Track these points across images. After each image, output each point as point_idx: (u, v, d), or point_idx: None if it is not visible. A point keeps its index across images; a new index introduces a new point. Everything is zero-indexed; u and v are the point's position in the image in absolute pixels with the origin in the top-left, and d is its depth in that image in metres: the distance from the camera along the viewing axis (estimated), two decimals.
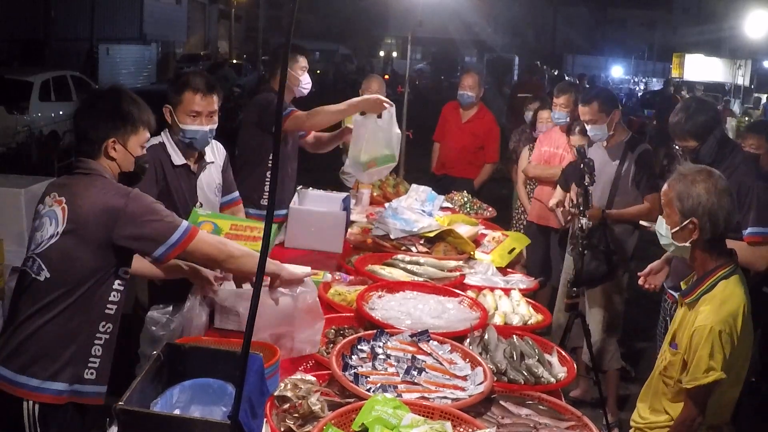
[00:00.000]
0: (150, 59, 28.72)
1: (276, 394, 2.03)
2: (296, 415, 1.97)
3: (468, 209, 4.78)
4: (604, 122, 3.96)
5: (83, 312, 2.30)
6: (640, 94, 20.80)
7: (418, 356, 2.29)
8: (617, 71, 34.71)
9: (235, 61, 29.51)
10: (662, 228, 2.47)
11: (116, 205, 2.25)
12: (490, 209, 4.85)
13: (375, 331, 2.41)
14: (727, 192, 2.34)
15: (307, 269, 2.69)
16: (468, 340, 2.53)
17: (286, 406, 2.00)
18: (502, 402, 2.22)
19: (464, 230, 3.88)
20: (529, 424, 2.12)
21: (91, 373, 2.37)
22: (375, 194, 4.80)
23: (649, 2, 45.30)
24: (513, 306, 3.01)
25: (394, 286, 3.00)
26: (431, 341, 2.40)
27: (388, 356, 2.27)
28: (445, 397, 2.09)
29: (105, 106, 2.38)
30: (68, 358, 2.30)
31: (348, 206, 4.12)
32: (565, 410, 2.21)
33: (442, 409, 2.00)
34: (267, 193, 3.92)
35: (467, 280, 3.32)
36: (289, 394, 2.01)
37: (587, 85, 19.48)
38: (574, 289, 3.56)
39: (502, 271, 3.63)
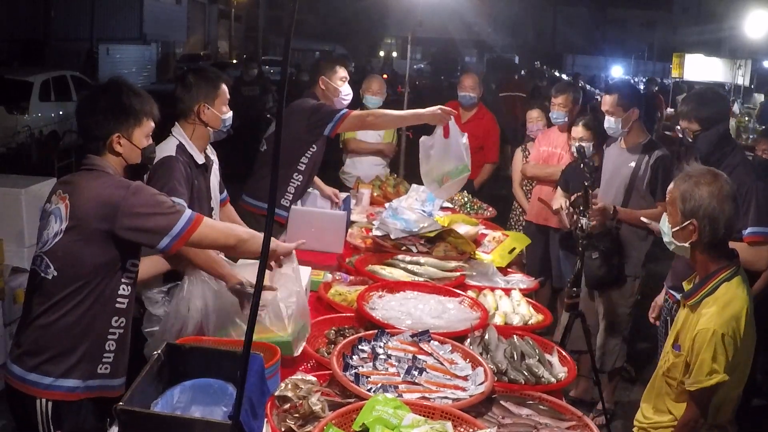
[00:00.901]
0: (150, 59, 28.71)
1: (276, 394, 2.03)
2: (297, 415, 1.97)
3: (468, 209, 4.78)
4: (620, 116, 3.90)
5: (95, 308, 2.31)
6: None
7: (419, 356, 2.29)
8: (617, 71, 34.66)
9: (234, 61, 29.49)
10: (665, 226, 2.48)
11: (116, 198, 2.25)
12: (491, 209, 4.85)
13: (375, 331, 2.42)
14: (731, 197, 2.34)
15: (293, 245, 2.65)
16: (468, 340, 2.54)
17: (287, 406, 1.99)
18: (502, 402, 2.22)
19: (464, 230, 3.88)
20: (530, 424, 2.12)
21: (105, 368, 2.38)
22: (375, 194, 4.80)
23: (649, 2, 45.28)
24: (513, 306, 3.01)
25: (394, 286, 3.01)
26: (432, 341, 2.40)
27: (389, 356, 2.27)
28: (446, 397, 2.09)
29: (106, 101, 2.37)
30: (81, 354, 2.31)
31: (348, 206, 4.13)
32: (566, 410, 2.21)
33: (443, 409, 2.00)
34: (288, 194, 3.95)
35: (467, 280, 3.32)
36: (289, 394, 2.01)
37: (587, 86, 19.49)
38: (575, 289, 3.55)
39: (503, 271, 3.63)
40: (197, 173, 2.98)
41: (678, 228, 2.40)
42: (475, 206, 4.85)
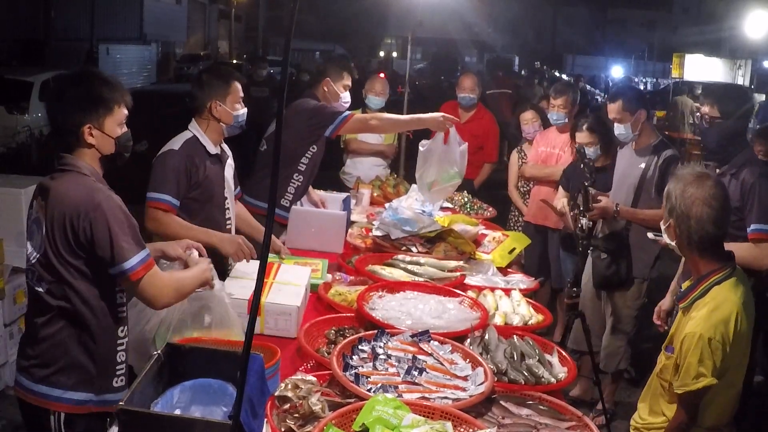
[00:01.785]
0: (150, 59, 28.70)
1: (276, 394, 2.03)
2: (297, 415, 1.97)
3: (468, 209, 4.78)
4: (628, 121, 3.89)
5: (97, 319, 2.29)
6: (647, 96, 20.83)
7: (419, 356, 2.29)
8: (617, 71, 34.66)
9: (235, 61, 29.49)
10: (662, 225, 2.51)
11: (82, 210, 2.20)
12: (490, 209, 4.86)
13: (376, 331, 2.41)
14: (708, 203, 2.32)
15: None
16: (468, 341, 2.54)
17: (287, 406, 1.99)
18: (502, 402, 2.22)
19: (464, 230, 3.88)
20: (530, 424, 2.12)
21: (121, 380, 2.38)
22: (375, 194, 4.80)
23: (649, 2, 45.28)
24: (513, 306, 3.01)
25: (394, 287, 3.00)
26: (432, 341, 2.40)
27: (389, 356, 2.27)
28: (446, 398, 2.09)
29: (74, 92, 2.30)
30: (91, 365, 2.30)
31: (348, 207, 4.12)
32: (566, 410, 2.21)
33: (443, 410, 2.00)
34: (288, 194, 3.97)
35: (467, 280, 3.32)
36: (289, 394, 2.01)
37: (587, 86, 19.49)
38: (575, 289, 3.55)
39: (503, 271, 3.63)
40: (210, 161, 3.11)
41: (665, 227, 2.45)
42: (475, 206, 4.86)
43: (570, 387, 4.25)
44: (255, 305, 1.41)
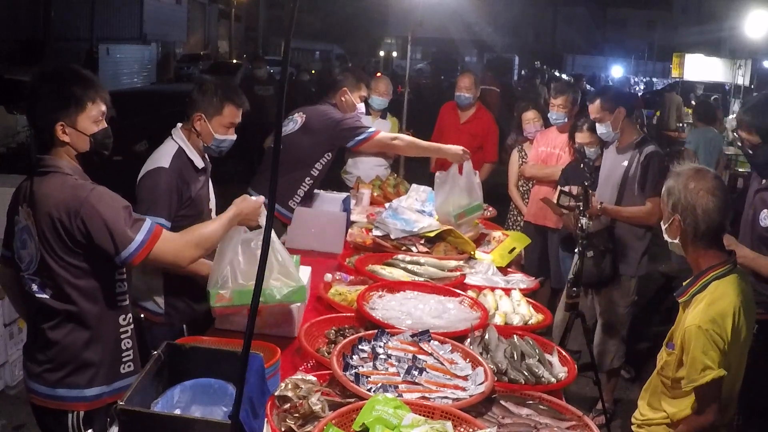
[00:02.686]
0: (150, 59, 28.73)
1: (277, 393, 2.03)
2: (297, 415, 1.97)
3: None
4: (608, 120, 3.96)
5: (102, 313, 2.31)
6: (640, 93, 20.80)
7: (419, 356, 2.29)
8: (617, 71, 34.67)
9: (235, 61, 29.50)
10: (664, 225, 2.51)
11: (74, 203, 2.19)
12: (491, 209, 4.85)
13: (376, 331, 2.41)
14: (713, 192, 2.35)
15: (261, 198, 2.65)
16: (468, 340, 2.53)
17: (287, 406, 1.99)
18: (502, 402, 2.22)
19: (464, 230, 3.88)
20: (530, 424, 2.12)
21: (129, 366, 2.40)
22: (375, 194, 4.80)
23: (649, 2, 45.31)
24: (513, 306, 3.01)
25: (394, 286, 3.00)
26: (432, 341, 2.40)
27: (389, 356, 2.27)
28: (446, 397, 2.09)
29: (46, 90, 2.27)
30: (101, 360, 2.32)
31: (348, 206, 4.12)
32: (566, 410, 2.21)
33: (443, 409, 2.00)
34: (297, 196, 3.97)
35: (468, 280, 3.32)
36: (289, 393, 2.01)
37: (587, 86, 19.48)
38: (574, 289, 3.56)
39: (503, 270, 3.63)
40: (197, 176, 2.93)
41: (667, 224, 2.45)
42: None
43: (570, 387, 4.25)
44: (255, 305, 1.41)
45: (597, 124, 4.03)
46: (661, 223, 2.51)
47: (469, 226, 4.07)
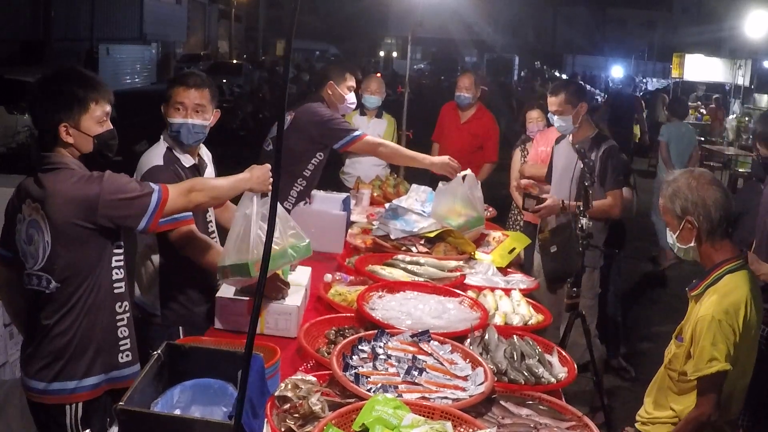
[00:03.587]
0: (150, 59, 28.72)
1: (276, 394, 2.03)
2: (297, 415, 1.97)
3: None
4: (570, 114, 4.03)
5: (97, 302, 2.33)
6: (640, 93, 20.82)
7: (419, 356, 2.29)
8: (617, 71, 34.68)
9: (235, 61, 29.50)
10: (670, 239, 2.55)
11: (90, 194, 2.24)
12: (490, 209, 4.84)
13: (375, 331, 2.41)
14: (714, 183, 2.43)
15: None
16: (468, 341, 2.53)
17: (287, 406, 1.99)
18: (502, 402, 2.22)
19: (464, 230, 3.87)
20: (530, 424, 2.12)
21: (127, 355, 2.42)
22: (375, 194, 4.80)
23: (649, 2, 45.33)
24: (513, 306, 3.01)
25: (394, 287, 3.00)
26: (432, 341, 2.40)
27: (389, 356, 2.27)
28: (446, 398, 2.09)
29: (50, 90, 2.30)
30: (96, 348, 2.34)
31: (348, 207, 4.12)
32: (566, 410, 2.21)
33: (443, 410, 2.00)
34: (291, 197, 3.95)
35: (468, 280, 3.32)
36: (289, 394, 2.01)
37: (587, 86, 19.49)
38: (575, 289, 3.56)
39: (503, 271, 3.63)
40: (186, 175, 2.90)
41: (679, 231, 2.47)
42: None
43: (570, 387, 4.25)
44: (257, 306, 1.41)
45: (556, 117, 4.09)
46: (670, 235, 2.53)
47: (470, 237, 4.08)
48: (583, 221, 3.51)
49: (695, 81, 17.13)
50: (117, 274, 2.39)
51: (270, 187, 2.66)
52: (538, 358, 2.44)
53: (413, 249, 3.62)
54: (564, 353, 2.57)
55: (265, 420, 1.96)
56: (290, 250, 2.66)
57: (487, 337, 2.52)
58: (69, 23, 22.15)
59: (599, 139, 4.07)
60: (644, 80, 32.06)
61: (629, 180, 4.49)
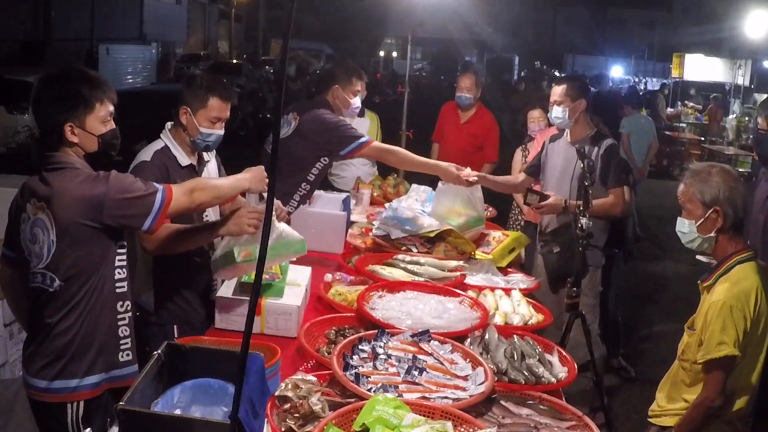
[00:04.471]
0: (150, 59, 28.69)
1: (277, 394, 2.03)
2: (297, 415, 1.97)
3: None
4: (567, 106, 4.01)
5: (100, 301, 2.34)
6: (640, 93, 20.86)
7: (419, 356, 2.29)
8: (617, 71, 34.67)
9: (235, 61, 29.49)
10: (684, 226, 2.59)
11: (97, 194, 2.25)
12: (490, 209, 4.84)
13: (376, 331, 2.41)
14: (739, 179, 2.51)
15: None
16: (469, 340, 2.53)
17: (287, 406, 1.99)
18: (502, 402, 2.22)
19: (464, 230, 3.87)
20: (530, 424, 2.12)
21: (127, 354, 2.42)
22: (375, 194, 4.80)
23: (649, 2, 45.33)
24: (513, 306, 3.01)
25: (394, 286, 3.00)
26: (432, 341, 2.40)
27: (389, 356, 2.26)
28: (446, 397, 2.09)
29: (55, 90, 2.30)
30: (98, 348, 2.34)
31: (348, 207, 4.12)
32: (566, 410, 2.21)
33: (443, 409, 2.00)
34: (294, 201, 3.90)
35: (468, 280, 3.32)
36: (289, 394, 2.01)
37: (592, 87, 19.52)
38: (575, 289, 3.55)
39: (503, 271, 3.63)
40: (182, 174, 2.88)
41: (702, 221, 2.51)
42: None
43: (570, 387, 4.26)
44: (253, 305, 1.41)
45: (554, 107, 4.08)
46: (688, 223, 2.56)
47: (469, 237, 4.08)
48: (583, 221, 3.51)
49: (695, 81, 17.14)
50: (120, 273, 2.40)
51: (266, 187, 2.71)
52: (538, 357, 2.44)
53: (413, 249, 3.62)
54: (564, 353, 2.57)
55: (266, 420, 1.96)
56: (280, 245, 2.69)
57: (487, 336, 2.52)
58: (69, 23, 22.14)
59: (598, 138, 4.06)
60: (644, 80, 32.06)
61: (629, 179, 4.49)
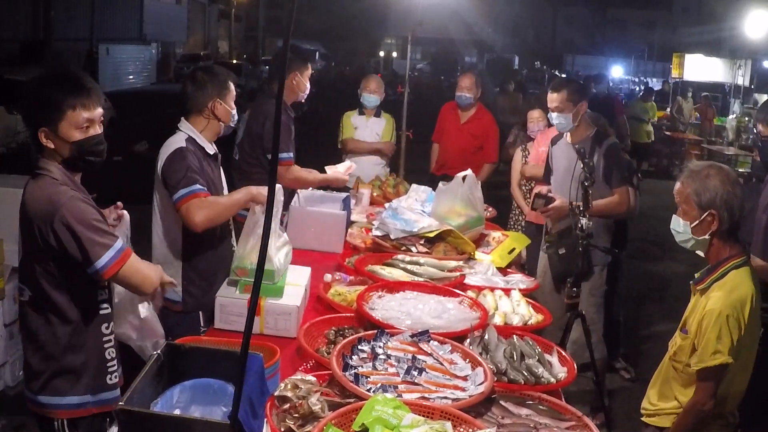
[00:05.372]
0: (150, 59, 28.72)
1: (276, 394, 2.03)
2: (296, 415, 1.97)
3: None
4: (570, 111, 4.01)
5: (78, 320, 2.30)
6: (640, 94, 20.86)
7: (419, 356, 2.29)
8: (617, 71, 34.67)
9: (235, 61, 29.50)
10: (679, 225, 2.56)
11: (46, 218, 2.17)
12: (491, 209, 4.84)
13: (375, 331, 2.41)
14: (738, 182, 2.47)
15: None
16: (468, 340, 2.53)
17: (287, 406, 1.99)
18: (502, 402, 2.22)
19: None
20: (529, 424, 2.12)
21: (115, 377, 2.39)
22: (375, 194, 4.79)
23: (649, 2, 45.36)
24: (513, 306, 3.01)
25: (394, 287, 3.00)
26: (431, 341, 2.39)
27: (389, 356, 2.26)
28: (446, 398, 2.09)
29: (32, 94, 2.24)
30: (82, 367, 2.31)
31: (348, 206, 4.12)
32: (566, 410, 2.21)
33: (443, 409, 2.00)
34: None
35: (467, 280, 3.32)
36: (289, 394, 2.01)
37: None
38: (575, 289, 3.55)
39: (503, 271, 3.63)
40: (209, 162, 3.04)
41: (697, 222, 2.48)
42: None
43: (570, 387, 4.26)
44: (253, 305, 1.41)
45: (556, 114, 4.06)
46: (683, 223, 2.53)
47: (469, 237, 4.08)
48: (583, 221, 3.51)
49: (695, 81, 17.14)
50: (102, 294, 2.35)
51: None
52: (537, 358, 2.44)
53: (413, 249, 3.62)
54: (564, 353, 2.57)
55: (265, 420, 1.96)
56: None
57: (486, 337, 2.52)
58: (69, 23, 22.15)
59: (600, 138, 4.06)
60: (644, 80, 32.05)
61: (633, 180, 4.49)
